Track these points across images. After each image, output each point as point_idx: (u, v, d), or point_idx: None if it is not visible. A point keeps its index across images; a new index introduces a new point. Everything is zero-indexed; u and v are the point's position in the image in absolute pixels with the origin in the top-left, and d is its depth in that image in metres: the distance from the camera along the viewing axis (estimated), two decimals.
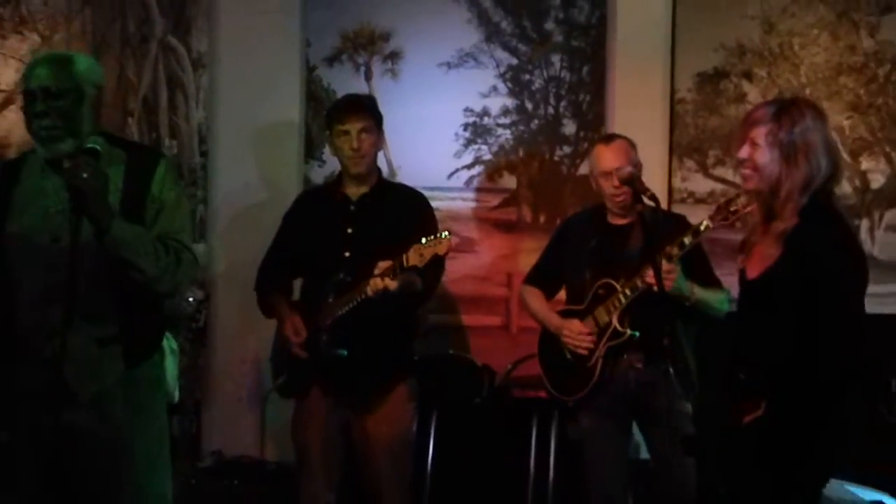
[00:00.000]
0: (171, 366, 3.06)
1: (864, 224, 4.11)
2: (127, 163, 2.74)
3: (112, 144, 2.79)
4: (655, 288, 3.03)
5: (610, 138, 3.51)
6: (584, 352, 3.34)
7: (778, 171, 2.54)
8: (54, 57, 2.79)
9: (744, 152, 2.58)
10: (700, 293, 3.22)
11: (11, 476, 2.65)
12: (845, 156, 4.03)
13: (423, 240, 3.14)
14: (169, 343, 2.98)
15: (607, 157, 3.36)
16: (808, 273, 2.54)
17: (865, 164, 4.13)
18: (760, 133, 2.55)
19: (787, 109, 2.58)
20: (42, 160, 2.72)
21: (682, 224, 3.29)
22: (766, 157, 2.54)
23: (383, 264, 3.18)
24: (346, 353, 3.29)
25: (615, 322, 3.28)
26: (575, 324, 3.36)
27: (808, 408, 2.56)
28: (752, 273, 2.64)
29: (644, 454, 3.62)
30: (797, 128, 2.54)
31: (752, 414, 2.60)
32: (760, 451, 2.59)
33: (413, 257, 3.12)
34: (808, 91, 4.09)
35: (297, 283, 3.66)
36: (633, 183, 3.13)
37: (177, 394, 3.45)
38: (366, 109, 3.44)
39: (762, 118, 2.58)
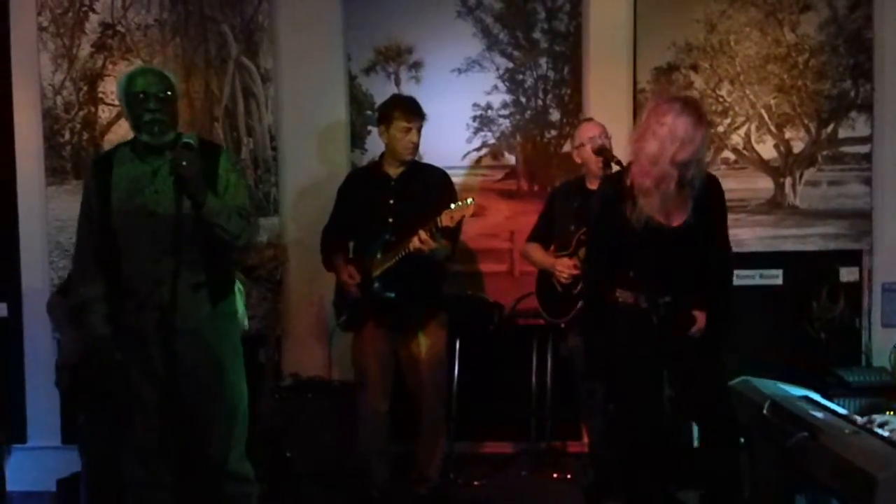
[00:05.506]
0: (240, 302, 3.37)
1: (788, 181, 4.44)
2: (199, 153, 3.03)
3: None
4: None
5: (589, 119, 4.07)
6: (569, 279, 3.81)
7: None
8: (156, 71, 3.12)
9: None
10: None
11: (133, 392, 3.05)
12: (772, 128, 4.45)
13: (452, 205, 3.50)
14: (238, 284, 3.35)
15: (587, 129, 3.94)
16: (711, 215, 3.16)
17: (788, 133, 4.45)
18: None
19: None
20: (130, 152, 3.04)
21: None
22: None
23: (423, 232, 3.55)
24: (393, 295, 3.74)
25: None
26: (564, 261, 3.85)
27: (727, 307, 3.28)
28: (675, 223, 3.16)
29: None
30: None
31: (697, 326, 3.20)
32: (702, 346, 3.20)
33: (445, 219, 3.49)
34: (741, 77, 4.42)
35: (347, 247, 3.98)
36: (604, 152, 3.70)
37: (246, 322, 3.68)
38: (421, 112, 3.84)
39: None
